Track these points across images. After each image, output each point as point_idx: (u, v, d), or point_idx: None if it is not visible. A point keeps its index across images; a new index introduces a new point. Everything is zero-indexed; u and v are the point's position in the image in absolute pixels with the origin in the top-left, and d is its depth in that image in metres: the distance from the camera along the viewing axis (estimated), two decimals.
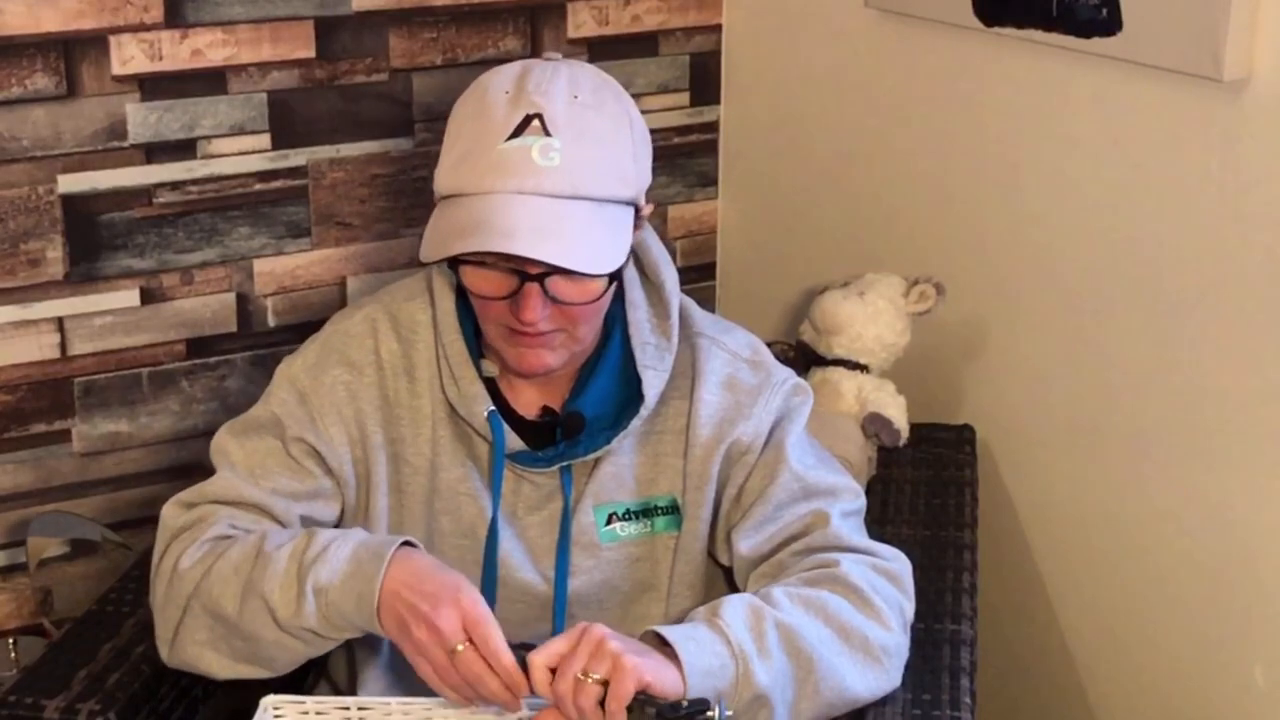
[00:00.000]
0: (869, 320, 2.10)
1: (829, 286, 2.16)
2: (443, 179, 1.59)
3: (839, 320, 2.11)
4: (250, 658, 1.62)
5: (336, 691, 1.80)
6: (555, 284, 1.55)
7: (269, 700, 1.57)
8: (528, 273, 1.53)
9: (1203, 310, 1.90)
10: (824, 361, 2.13)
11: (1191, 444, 1.95)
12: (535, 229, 1.50)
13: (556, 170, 1.53)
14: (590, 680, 1.43)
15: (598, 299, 1.59)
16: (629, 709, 1.43)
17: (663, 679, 1.45)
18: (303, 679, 1.86)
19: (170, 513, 1.68)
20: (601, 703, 1.43)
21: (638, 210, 1.63)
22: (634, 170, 1.60)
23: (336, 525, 1.70)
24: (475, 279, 1.57)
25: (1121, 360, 2.01)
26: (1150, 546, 2.02)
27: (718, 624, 1.52)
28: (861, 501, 1.73)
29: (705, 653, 1.49)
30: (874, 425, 2.08)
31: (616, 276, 1.60)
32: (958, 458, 2.12)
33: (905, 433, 2.11)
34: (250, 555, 1.58)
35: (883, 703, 1.61)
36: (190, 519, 1.66)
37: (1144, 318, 1.97)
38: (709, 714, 1.44)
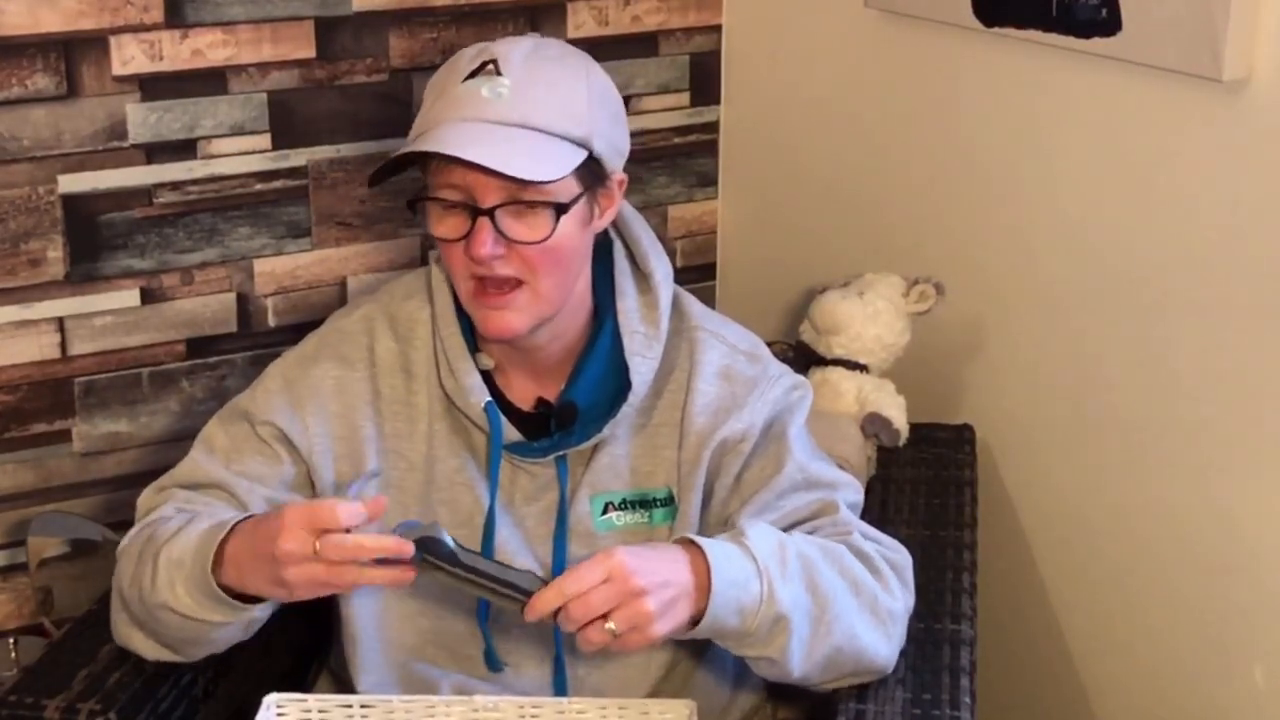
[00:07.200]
0: (868, 320, 2.10)
1: (828, 286, 2.17)
2: (412, 130, 1.66)
3: (838, 320, 2.11)
4: (159, 639, 1.65)
5: (338, 682, 1.80)
6: (505, 221, 1.59)
7: (271, 698, 1.58)
8: (479, 207, 1.58)
9: (1203, 310, 1.90)
10: (823, 361, 2.13)
11: (1191, 443, 1.95)
12: (472, 141, 1.57)
13: (501, 102, 1.59)
14: (607, 627, 1.47)
15: (547, 240, 1.60)
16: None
17: (671, 630, 1.51)
18: (305, 670, 1.88)
19: (142, 498, 1.74)
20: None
21: (603, 168, 1.64)
22: (587, 113, 1.63)
23: None
24: (436, 220, 1.62)
25: (1121, 359, 2.01)
26: (1150, 546, 2.02)
27: (744, 542, 1.56)
28: (861, 496, 1.76)
29: (732, 565, 1.53)
30: (874, 425, 2.08)
31: (564, 209, 1.60)
32: (957, 457, 2.12)
33: (905, 432, 2.11)
34: (151, 534, 1.63)
35: (883, 702, 1.61)
36: (156, 502, 1.72)
37: (1144, 317, 1.97)
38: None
